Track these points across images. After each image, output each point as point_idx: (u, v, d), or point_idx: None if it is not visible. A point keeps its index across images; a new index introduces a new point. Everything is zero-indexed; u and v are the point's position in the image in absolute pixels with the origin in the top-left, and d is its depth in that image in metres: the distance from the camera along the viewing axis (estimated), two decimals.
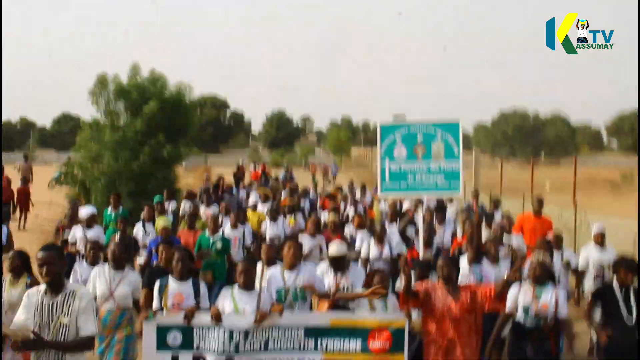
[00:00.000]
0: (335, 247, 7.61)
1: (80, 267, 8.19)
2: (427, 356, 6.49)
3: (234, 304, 6.51)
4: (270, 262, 7.63)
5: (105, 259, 7.86)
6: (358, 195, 18.97)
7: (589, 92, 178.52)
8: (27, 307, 4.97)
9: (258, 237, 12.22)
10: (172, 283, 6.77)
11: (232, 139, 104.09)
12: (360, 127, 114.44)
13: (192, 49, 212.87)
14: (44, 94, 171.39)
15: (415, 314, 6.76)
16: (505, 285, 6.45)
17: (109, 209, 12.88)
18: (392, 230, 10.92)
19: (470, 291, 6.49)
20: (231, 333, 6.35)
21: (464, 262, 8.05)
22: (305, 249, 9.72)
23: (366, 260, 10.12)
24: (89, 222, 10.56)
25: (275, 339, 6.48)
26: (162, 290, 6.73)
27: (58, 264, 5.02)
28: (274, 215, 12.38)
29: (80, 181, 18.93)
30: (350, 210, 14.94)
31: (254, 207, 14.29)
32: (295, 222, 12.98)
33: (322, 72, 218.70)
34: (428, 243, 9.85)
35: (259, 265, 7.64)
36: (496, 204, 14.54)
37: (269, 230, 12.13)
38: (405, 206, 13.54)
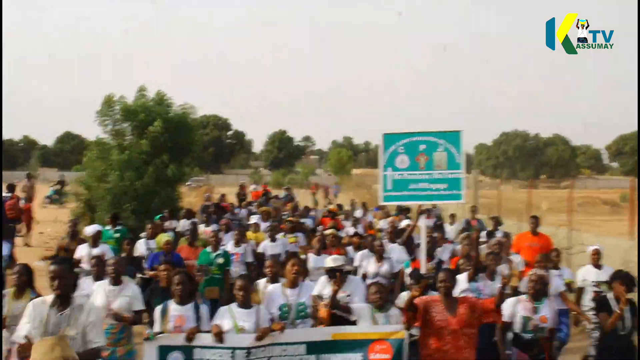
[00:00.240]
0: (332, 259, 7.70)
1: (84, 283, 8.22)
2: None
3: (233, 321, 6.55)
4: (274, 279, 7.66)
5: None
6: (359, 214, 19.06)
7: (590, 114, 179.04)
8: (32, 317, 5.08)
9: (258, 255, 12.34)
10: (173, 306, 6.77)
11: (234, 159, 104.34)
12: (361, 147, 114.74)
13: (194, 70, 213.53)
14: (47, 112, 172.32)
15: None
16: (501, 295, 6.55)
17: (109, 227, 13.08)
18: (392, 248, 11.00)
19: (469, 305, 6.57)
20: (233, 352, 6.37)
21: (462, 278, 8.14)
22: (311, 267, 9.82)
23: (365, 276, 10.18)
24: (95, 240, 10.75)
25: (278, 356, 6.50)
26: (164, 314, 6.73)
27: (68, 277, 5.16)
28: (273, 234, 12.47)
29: (85, 199, 19.14)
30: (350, 230, 15.01)
31: (256, 227, 14.39)
32: (296, 241, 13.00)
33: (314, 79, 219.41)
34: (430, 255, 9.95)
35: (261, 282, 7.73)
36: (497, 222, 14.59)
37: (269, 249, 12.17)
38: (403, 224, 13.59)
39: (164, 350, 6.41)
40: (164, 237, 10.76)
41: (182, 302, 6.77)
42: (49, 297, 5.17)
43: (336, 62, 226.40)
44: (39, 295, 6.53)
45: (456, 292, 7.09)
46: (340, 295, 7.32)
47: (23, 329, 5.08)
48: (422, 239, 8.33)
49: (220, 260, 10.46)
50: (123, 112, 18.90)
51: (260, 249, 12.37)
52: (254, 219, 15.35)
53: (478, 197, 22.63)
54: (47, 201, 32.79)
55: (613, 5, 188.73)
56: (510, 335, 7.12)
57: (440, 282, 6.64)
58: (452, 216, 17.12)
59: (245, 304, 6.66)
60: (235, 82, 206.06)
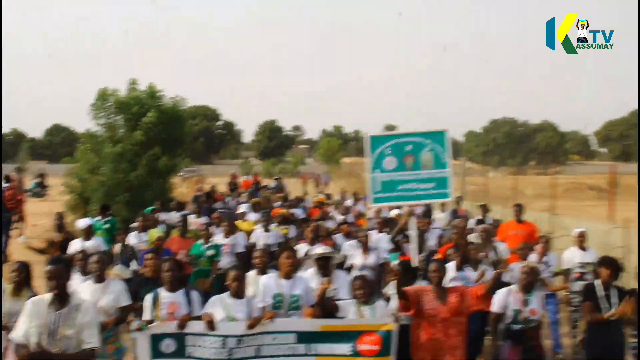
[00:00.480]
0: (320, 248, 7.81)
1: (75, 280, 8.26)
2: (416, 358, 6.71)
3: (227, 311, 6.60)
4: (263, 269, 7.76)
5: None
6: (349, 203, 19.17)
7: (578, 100, 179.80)
8: (30, 315, 5.15)
9: (249, 245, 12.45)
10: (164, 294, 6.77)
11: (224, 150, 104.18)
12: (351, 135, 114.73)
13: (194, 70, 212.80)
14: (36, 105, 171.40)
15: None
16: (494, 282, 6.72)
17: (98, 217, 13.20)
18: (380, 239, 11.11)
19: (459, 294, 6.73)
20: (224, 340, 6.44)
21: (451, 267, 8.25)
22: (303, 256, 9.87)
23: (351, 268, 10.29)
24: (87, 234, 10.82)
25: (268, 345, 6.58)
26: (154, 302, 6.72)
27: (65, 277, 5.25)
28: (266, 225, 12.59)
29: (78, 192, 19.30)
30: (338, 218, 15.13)
31: (243, 217, 14.50)
32: (288, 233, 13.11)
33: (314, 79, 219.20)
34: (420, 249, 10.07)
35: (251, 273, 7.80)
36: (485, 210, 14.71)
37: (262, 239, 12.29)
38: (393, 213, 13.69)
39: (156, 339, 6.47)
40: (155, 233, 10.84)
41: (172, 288, 6.79)
42: (47, 296, 5.23)
43: (336, 62, 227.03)
44: (36, 294, 6.53)
45: (445, 280, 7.20)
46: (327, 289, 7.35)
47: (21, 328, 5.15)
48: (412, 234, 8.46)
49: (210, 253, 10.56)
50: (116, 105, 19.10)
51: (252, 239, 12.49)
52: (242, 208, 15.45)
53: (466, 184, 22.83)
54: (28, 194, 32.75)
55: (613, 5, 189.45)
56: (501, 326, 7.19)
57: (432, 272, 6.81)
58: (443, 204, 17.26)
59: (239, 294, 6.71)
60: (235, 82, 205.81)
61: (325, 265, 7.50)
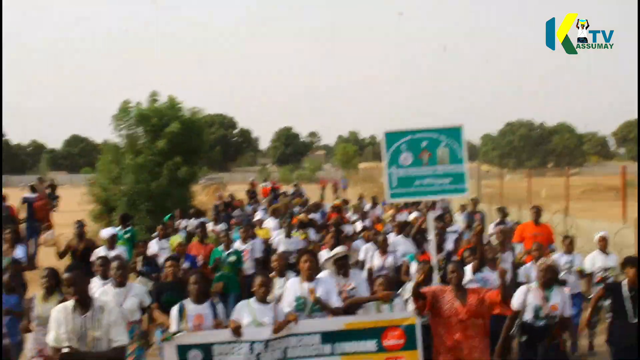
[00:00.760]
0: (338, 248, 7.91)
1: (94, 284, 8.20)
2: (436, 358, 6.79)
3: (253, 316, 6.69)
4: (281, 272, 7.92)
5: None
6: (367, 208, 19.29)
7: (595, 101, 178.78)
8: (57, 324, 5.32)
9: (269, 250, 12.62)
10: (190, 306, 6.83)
11: (240, 157, 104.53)
12: (367, 141, 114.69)
13: (199, 69, 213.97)
14: (54, 116, 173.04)
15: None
16: (503, 286, 6.73)
17: (118, 228, 13.39)
18: (398, 241, 11.23)
19: (478, 295, 6.77)
20: (252, 345, 6.53)
21: (467, 269, 8.31)
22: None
23: (371, 270, 10.42)
24: (111, 243, 10.99)
25: (294, 347, 6.67)
26: (181, 313, 6.78)
27: (84, 282, 5.44)
28: (288, 231, 12.73)
29: (103, 200, 19.78)
30: (358, 224, 15.25)
31: (260, 224, 14.64)
32: (307, 237, 13.22)
33: (329, 81, 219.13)
34: (438, 247, 10.15)
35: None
36: (504, 213, 14.72)
37: (282, 245, 12.43)
38: (412, 217, 13.80)
39: (183, 349, 6.51)
40: (176, 239, 11.03)
41: (198, 301, 6.84)
42: (70, 303, 5.40)
43: (336, 62, 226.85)
44: (66, 299, 6.77)
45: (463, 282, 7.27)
46: (347, 290, 7.52)
47: (51, 335, 5.34)
48: (430, 232, 8.52)
49: (232, 259, 10.72)
50: (137, 117, 19.56)
51: (274, 244, 12.69)
52: (258, 215, 15.60)
53: (481, 187, 22.83)
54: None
55: (613, 5, 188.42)
56: (518, 323, 7.23)
57: (450, 273, 6.87)
58: (463, 206, 17.35)
59: (265, 299, 6.84)
60: (236, 82, 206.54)
61: (343, 265, 7.62)
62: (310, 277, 7.18)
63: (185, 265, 9.94)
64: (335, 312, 7.04)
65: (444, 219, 13.11)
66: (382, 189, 9.22)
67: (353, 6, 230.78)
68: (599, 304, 8.31)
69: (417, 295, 6.70)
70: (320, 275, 7.65)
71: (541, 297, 7.14)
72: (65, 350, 5.12)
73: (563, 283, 9.62)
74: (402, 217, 14.83)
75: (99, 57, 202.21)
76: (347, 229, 14.02)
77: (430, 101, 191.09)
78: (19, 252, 10.22)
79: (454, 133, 8.14)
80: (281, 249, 12.25)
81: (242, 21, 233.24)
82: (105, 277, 8.08)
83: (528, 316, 7.17)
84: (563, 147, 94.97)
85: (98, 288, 7.69)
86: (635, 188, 16.73)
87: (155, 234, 12.69)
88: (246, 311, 6.73)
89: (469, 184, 8.48)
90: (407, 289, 7.68)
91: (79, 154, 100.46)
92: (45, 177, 40.12)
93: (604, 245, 9.97)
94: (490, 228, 14.03)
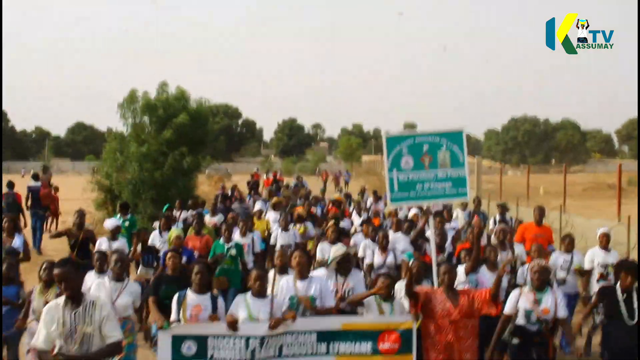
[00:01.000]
0: (340, 249, 7.83)
1: (89, 277, 8.17)
2: (427, 358, 6.82)
3: (248, 311, 6.69)
4: (283, 269, 7.78)
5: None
6: (370, 202, 19.30)
7: (599, 98, 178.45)
8: (48, 322, 5.22)
9: (267, 244, 12.65)
10: (191, 295, 6.81)
11: (244, 148, 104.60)
12: (371, 134, 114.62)
13: (203, 58, 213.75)
14: (58, 103, 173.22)
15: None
16: (497, 286, 6.76)
17: (118, 216, 13.46)
18: (397, 238, 11.22)
19: (469, 296, 6.81)
20: (247, 340, 6.47)
21: (460, 270, 8.32)
22: (325, 256, 9.90)
23: (370, 267, 10.43)
24: (114, 234, 11.01)
25: (289, 344, 6.68)
26: (181, 301, 6.78)
27: (75, 277, 5.31)
28: (285, 224, 12.76)
29: (107, 188, 19.96)
30: (356, 218, 15.25)
31: (259, 215, 14.63)
32: (306, 231, 13.25)
33: (332, 77, 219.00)
34: (440, 248, 10.17)
35: (271, 272, 7.97)
36: (504, 209, 14.69)
37: (280, 238, 12.48)
38: (412, 213, 13.80)
39: (178, 340, 6.53)
40: (174, 232, 11.04)
41: (200, 291, 6.84)
42: (61, 299, 5.32)
43: (336, 62, 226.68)
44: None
45: (456, 283, 7.27)
46: (345, 287, 7.51)
47: (41, 334, 5.24)
48: (431, 234, 8.53)
49: (233, 252, 10.72)
50: (144, 107, 19.76)
51: (272, 239, 12.71)
52: (257, 206, 15.62)
53: (481, 182, 22.86)
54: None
55: (613, 5, 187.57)
56: (511, 327, 7.21)
57: (442, 275, 6.90)
58: (464, 203, 17.32)
59: (261, 293, 6.77)
60: (236, 82, 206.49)
61: (345, 265, 7.63)
62: (302, 274, 7.15)
63: (183, 259, 9.95)
64: (329, 312, 7.04)
65: (443, 215, 13.11)
66: (383, 182, 9.24)
67: (353, 6, 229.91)
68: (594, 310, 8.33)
69: (410, 294, 6.73)
70: (316, 273, 7.68)
71: (533, 300, 7.13)
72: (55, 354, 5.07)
73: (562, 282, 9.72)
74: (403, 213, 14.84)
75: (99, 57, 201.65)
76: (345, 223, 13.98)
77: (431, 98, 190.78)
78: (17, 242, 10.23)
79: (455, 137, 8.13)
80: (279, 242, 12.32)
81: (242, 21, 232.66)
82: (101, 271, 8.08)
83: (520, 320, 7.17)
84: (567, 143, 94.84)
85: (93, 281, 7.68)
86: (636, 186, 16.76)
87: (156, 224, 12.75)
88: (242, 306, 6.73)
89: (469, 189, 8.49)
90: (397, 288, 7.67)
91: (82, 142, 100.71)
92: (49, 165, 40.25)
93: (604, 241, 9.95)
94: (490, 224, 14.05)
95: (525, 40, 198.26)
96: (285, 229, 12.67)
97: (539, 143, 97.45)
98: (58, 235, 11.78)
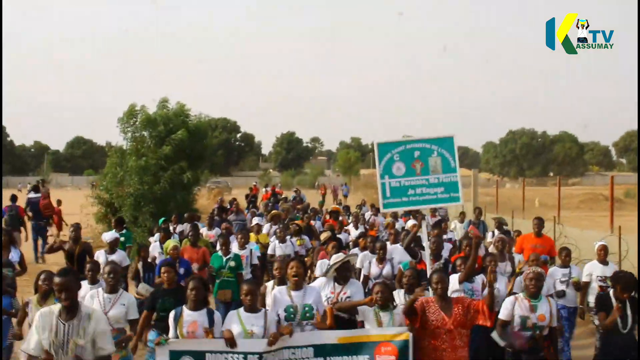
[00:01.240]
0: (339, 256, 7.90)
1: (83, 288, 8.04)
2: None
3: (242, 325, 6.65)
4: (282, 280, 7.77)
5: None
6: (368, 215, 19.37)
7: (597, 111, 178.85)
8: (41, 328, 5.20)
9: (264, 257, 12.72)
10: (187, 312, 6.74)
11: (243, 161, 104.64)
12: (369, 147, 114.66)
13: (202, 72, 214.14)
14: (57, 117, 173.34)
15: None
16: (490, 296, 6.77)
17: (114, 231, 13.48)
18: (394, 249, 11.27)
19: (463, 305, 6.82)
20: (245, 357, 6.44)
21: (453, 279, 8.27)
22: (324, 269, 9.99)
23: (367, 278, 10.42)
24: (112, 247, 11.08)
25: None
26: (177, 319, 6.71)
27: (75, 288, 5.32)
28: (282, 236, 12.82)
29: (107, 203, 20.01)
30: (352, 231, 15.31)
31: (258, 229, 14.67)
32: (303, 243, 13.33)
33: (331, 81, 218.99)
34: (436, 256, 10.19)
35: (270, 284, 7.96)
36: (500, 223, 14.73)
37: (278, 250, 12.53)
38: (409, 224, 13.89)
39: (175, 355, 6.51)
40: (171, 243, 11.10)
41: (195, 307, 6.76)
42: (56, 307, 5.31)
43: (336, 63, 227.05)
44: None
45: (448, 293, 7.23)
46: (341, 296, 7.56)
47: (32, 340, 5.22)
48: (424, 241, 8.56)
49: (232, 264, 10.76)
50: (143, 122, 19.87)
51: (269, 251, 12.77)
52: (256, 220, 15.73)
53: (478, 194, 22.97)
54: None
55: (613, 5, 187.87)
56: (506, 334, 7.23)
57: (435, 284, 6.90)
58: (462, 214, 17.42)
59: (253, 308, 6.72)
60: (236, 83, 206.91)
61: (344, 274, 7.66)
62: (298, 285, 7.13)
63: (181, 270, 9.98)
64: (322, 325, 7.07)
65: (441, 226, 13.18)
66: None
67: (353, 6, 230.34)
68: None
69: (408, 311, 6.74)
70: (313, 283, 7.73)
71: (528, 307, 7.16)
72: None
73: (562, 294, 9.76)
74: (399, 224, 14.90)
75: (99, 57, 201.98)
76: (342, 236, 14.04)
77: (428, 114, 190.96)
78: (14, 255, 10.30)
79: (446, 142, 8.21)
80: (277, 254, 12.38)
81: (242, 21, 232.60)
82: (93, 282, 8.07)
83: (515, 327, 7.17)
84: (564, 156, 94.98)
85: (86, 292, 7.63)
86: (635, 198, 16.90)
87: (156, 237, 12.83)
88: (235, 321, 6.69)
89: (462, 194, 8.52)
90: (397, 296, 7.71)
91: (81, 156, 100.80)
92: (48, 179, 40.33)
93: (602, 255, 9.96)
94: (488, 237, 14.11)
95: (525, 40, 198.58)
96: (282, 240, 12.75)
97: (536, 156, 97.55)
98: (51, 250, 11.75)
